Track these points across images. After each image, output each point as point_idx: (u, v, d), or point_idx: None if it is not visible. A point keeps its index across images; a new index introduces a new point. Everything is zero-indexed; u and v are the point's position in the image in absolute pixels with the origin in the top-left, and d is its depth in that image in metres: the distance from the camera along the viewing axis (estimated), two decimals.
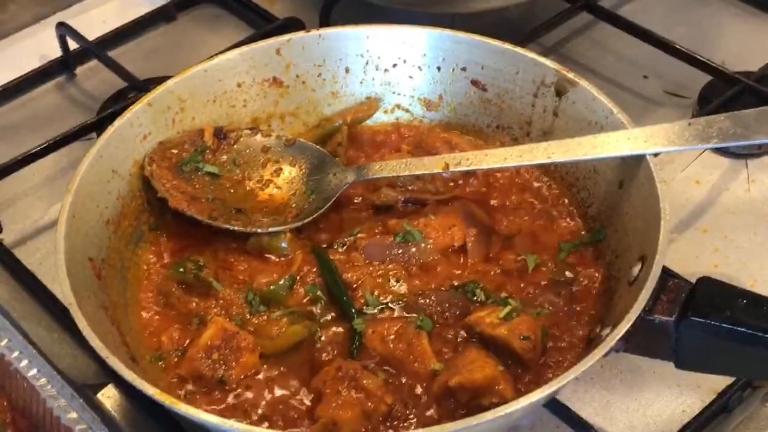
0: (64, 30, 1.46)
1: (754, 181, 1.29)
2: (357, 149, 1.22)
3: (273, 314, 1.04)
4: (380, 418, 0.95)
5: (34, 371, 0.97)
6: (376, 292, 1.05)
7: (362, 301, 1.05)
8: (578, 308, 1.04)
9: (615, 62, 1.45)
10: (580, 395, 1.06)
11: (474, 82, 1.19)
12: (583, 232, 1.12)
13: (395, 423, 0.96)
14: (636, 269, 0.97)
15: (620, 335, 0.89)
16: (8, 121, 1.43)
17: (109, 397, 1.05)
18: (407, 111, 1.24)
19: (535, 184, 1.16)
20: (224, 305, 1.06)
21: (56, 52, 1.48)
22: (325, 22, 1.44)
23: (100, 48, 1.46)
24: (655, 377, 1.07)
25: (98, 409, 0.97)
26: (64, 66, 1.48)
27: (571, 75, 1.12)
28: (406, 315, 1.04)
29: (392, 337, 1.01)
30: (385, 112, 1.24)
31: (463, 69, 1.19)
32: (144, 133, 1.14)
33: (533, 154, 1.07)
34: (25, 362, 0.97)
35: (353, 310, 1.04)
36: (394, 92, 1.23)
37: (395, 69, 1.22)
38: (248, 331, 1.02)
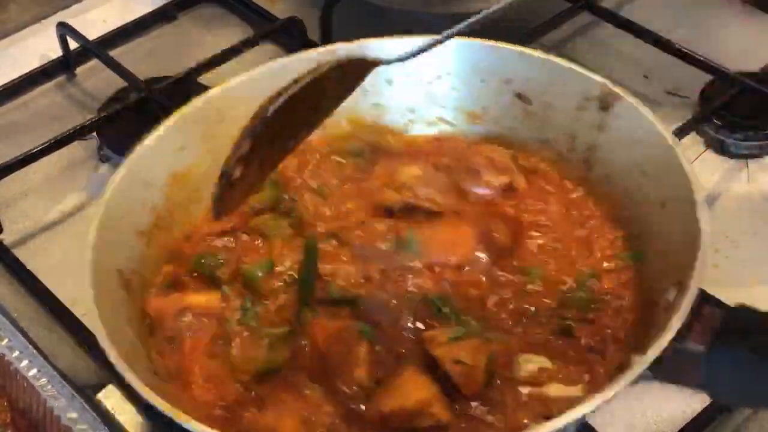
0: (64, 30, 1.46)
1: (755, 182, 1.29)
2: (392, 158, 1.19)
3: (261, 331, 1.01)
4: None
5: (34, 371, 0.97)
6: (341, 285, 1.03)
7: (324, 292, 1.02)
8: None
9: (615, 62, 1.45)
10: None
11: (518, 95, 1.17)
12: (621, 253, 1.08)
13: None
14: (672, 294, 0.94)
15: (649, 362, 0.86)
16: (8, 121, 1.43)
17: (109, 397, 1.05)
18: (450, 123, 1.21)
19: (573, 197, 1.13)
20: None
21: (56, 52, 1.48)
22: (326, 22, 1.44)
23: (101, 48, 1.46)
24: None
25: (98, 409, 0.97)
26: (64, 66, 1.48)
27: (616, 89, 1.10)
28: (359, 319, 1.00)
29: (333, 337, 0.97)
30: (429, 124, 1.22)
31: (508, 81, 1.17)
32: (179, 146, 1.12)
33: None
34: (25, 362, 0.98)
35: (308, 300, 1.01)
36: (437, 105, 1.21)
37: (439, 81, 1.20)
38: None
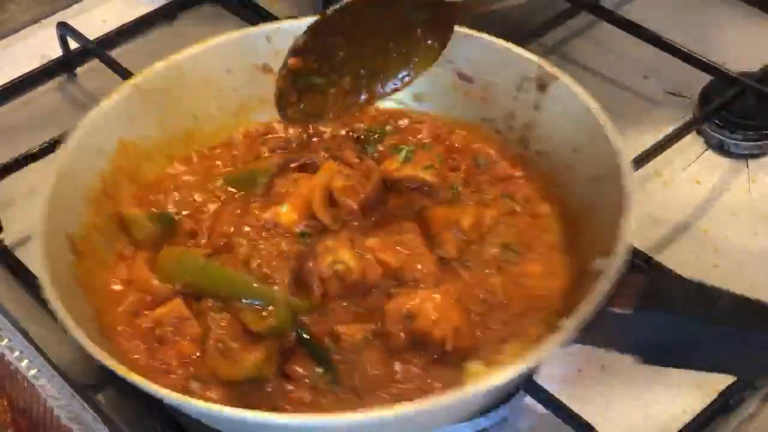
0: (64, 30, 1.46)
1: (755, 182, 1.29)
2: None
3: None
4: None
5: (34, 371, 0.97)
6: None
7: None
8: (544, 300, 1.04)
9: (615, 62, 1.45)
10: (580, 395, 1.06)
11: (459, 74, 1.20)
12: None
13: None
14: (601, 263, 0.96)
15: (576, 324, 0.89)
16: (8, 121, 1.43)
17: (109, 397, 1.06)
18: (395, 101, 1.23)
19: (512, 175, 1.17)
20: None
21: (56, 52, 1.48)
22: None
23: (101, 48, 1.46)
24: (656, 377, 1.07)
25: (98, 409, 0.97)
26: (64, 66, 1.48)
27: (552, 69, 1.13)
28: None
29: None
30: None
31: (450, 61, 1.19)
32: (131, 114, 1.15)
33: None
34: (25, 362, 0.98)
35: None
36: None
37: None
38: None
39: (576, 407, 1.03)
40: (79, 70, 1.49)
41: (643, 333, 0.92)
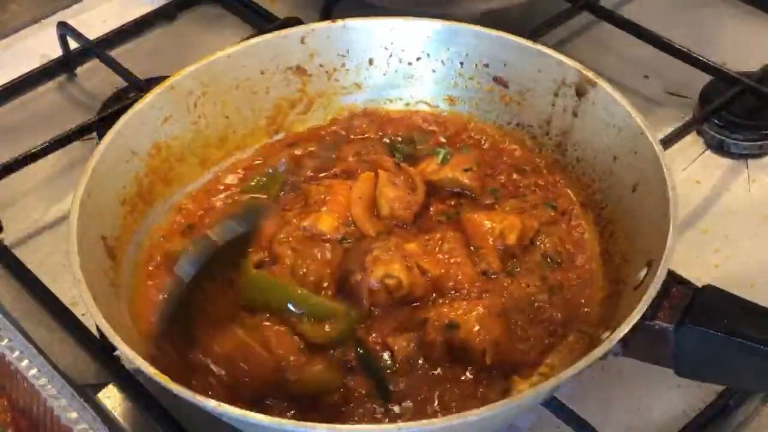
0: (64, 30, 1.46)
1: (755, 182, 1.29)
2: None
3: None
4: None
5: (34, 371, 0.97)
6: None
7: None
8: (583, 309, 1.04)
9: (616, 62, 1.45)
10: (580, 395, 1.06)
11: (496, 79, 1.19)
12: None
13: None
14: (642, 274, 0.96)
15: (618, 338, 0.89)
16: (8, 121, 1.43)
17: (109, 397, 1.06)
18: (429, 105, 1.24)
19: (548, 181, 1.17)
20: None
21: (56, 52, 1.48)
22: None
23: (101, 47, 1.46)
24: (656, 377, 1.07)
25: (98, 409, 0.97)
26: (64, 66, 1.48)
27: (591, 75, 1.12)
28: None
29: None
30: (407, 105, 1.24)
31: (486, 65, 1.19)
32: (165, 116, 1.15)
33: None
34: (25, 362, 0.97)
35: None
36: (416, 86, 1.24)
37: (419, 62, 1.22)
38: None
39: (576, 407, 1.03)
40: (79, 70, 1.49)
41: (683, 348, 0.91)
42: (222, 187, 1.19)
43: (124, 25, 1.53)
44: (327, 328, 1.00)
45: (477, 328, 0.98)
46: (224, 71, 1.19)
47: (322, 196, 1.11)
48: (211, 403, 0.86)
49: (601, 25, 1.48)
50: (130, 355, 0.89)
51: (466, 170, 1.13)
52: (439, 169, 1.14)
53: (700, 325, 0.90)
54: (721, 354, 0.90)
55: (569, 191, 1.14)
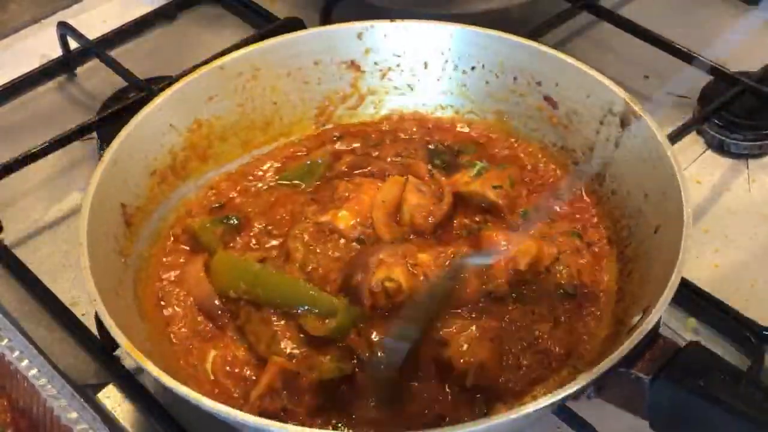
0: (64, 30, 1.46)
1: (755, 182, 1.29)
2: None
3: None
4: None
5: (34, 371, 0.97)
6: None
7: None
8: (585, 346, 1.02)
9: (616, 62, 1.45)
10: None
11: (547, 98, 1.18)
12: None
13: None
14: (636, 319, 0.94)
15: (588, 381, 0.87)
16: (8, 121, 1.43)
17: (109, 397, 1.06)
18: (478, 116, 1.23)
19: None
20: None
21: (56, 52, 1.48)
22: (326, 22, 1.44)
23: (101, 48, 1.46)
24: None
25: (98, 409, 0.97)
26: (64, 66, 1.48)
27: (637, 107, 1.09)
28: None
29: None
30: (457, 112, 1.24)
31: (539, 83, 1.18)
32: (210, 95, 1.17)
33: None
34: (25, 362, 0.97)
35: None
36: (468, 95, 1.23)
37: (473, 72, 1.22)
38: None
39: (576, 407, 1.02)
40: (79, 70, 1.49)
41: (658, 402, 0.89)
42: (260, 173, 1.19)
43: (124, 25, 1.53)
44: (327, 319, 1.00)
45: (465, 348, 0.97)
46: (277, 58, 1.20)
47: (348, 194, 1.11)
48: (206, 403, 0.86)
49: (601, 25, 1.48)
50: (107, 322, 0.90)
51: (495, 187, 1.11)
52: (470, 182, 1.12)
53: (675, 382, 0.88)
54: (694, 413, 0.87)
55: (600, 224, 1.12)
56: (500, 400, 0.96)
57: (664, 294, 0.91)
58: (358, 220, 1.08)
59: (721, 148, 1.33)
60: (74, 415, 0.93)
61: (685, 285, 1.13)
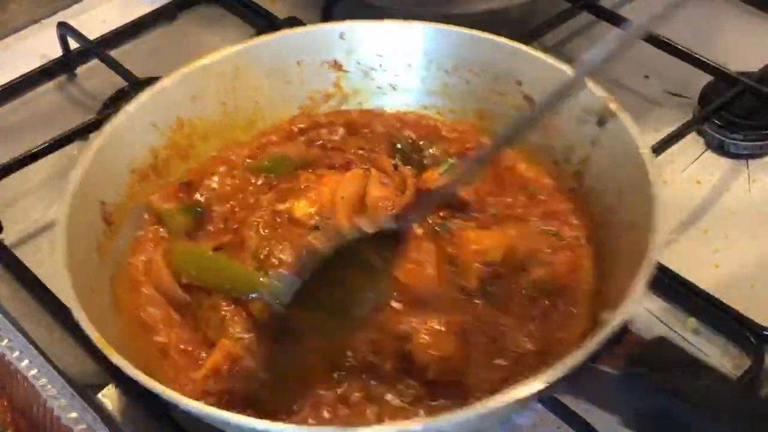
0: (64, 30, 1.46)
1: (755, 182, 1.29)
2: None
3: None
4: None
5: (34, 371, 0.97)
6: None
7: None
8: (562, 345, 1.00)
9: (616, 62, 1.44)
10: None
11: (526, 98, 1.17)
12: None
13: None
14: (606, 316, 0.92)
15: (555, 378, 0.86)
16: (8, 121, 1.43)
17: (109, 397, 1.05)
18: (458, 114, 1.23)
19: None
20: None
21: (56, 52, 1.48)
22: (326, 22, 1.44)
23: (101, 48, 1.46)
24: None
25: (98, 409, 0.97)
26: (64, 66, 1.48)
27: (613, 106, 1.08)
28: None
29: None
30: (439, 113, 1.23)
31: (519, 83, 1.17)
32: (193, 95, 1.17)
33: None
34: (25, 362, 0.97)
35: None
36: (450, 95, 1.23)
37: (455, 72, 1.21)
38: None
39: (576, 407, 1.02)
40: (79, 70, 1.49)
41: (629, 397, 0.89)
42: (232, 161, 1.18)
43: (124, 25, 1.53)
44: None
45: (426, 340, 0.96)
46: (260, 58, 1.20)
47: (309, 185, 1.11)
48: (191, 404, 0.86)
49: (601, 25, 1.48)
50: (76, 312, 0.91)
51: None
52: (438, 179, 1.11)
53: (642, 377, 0.87)
54: (661, 409, 0.87)
55: (578, 223, 1.10)
56: (469, 397, 0.94)
57: (631, 289, 0.91)
58: (317, 209, 1.08)
59: (721, 149, 1.33)
60: (74, 415, 0.93)
61: (685, 285, 1.13)
